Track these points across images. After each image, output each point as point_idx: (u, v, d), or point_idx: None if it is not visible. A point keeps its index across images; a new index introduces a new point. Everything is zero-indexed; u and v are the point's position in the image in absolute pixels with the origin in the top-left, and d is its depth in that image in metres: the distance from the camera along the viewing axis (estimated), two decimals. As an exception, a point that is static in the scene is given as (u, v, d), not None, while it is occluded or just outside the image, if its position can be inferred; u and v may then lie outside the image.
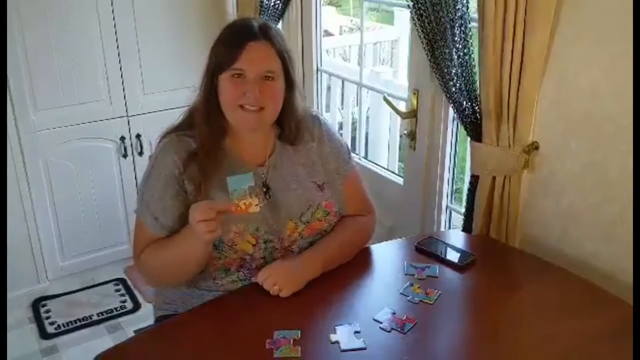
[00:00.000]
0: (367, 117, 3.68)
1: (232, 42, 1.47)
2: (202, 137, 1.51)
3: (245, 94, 1.45)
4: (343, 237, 1.63)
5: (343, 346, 1.33)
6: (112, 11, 2.79)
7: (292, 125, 1.59)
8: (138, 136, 3.00)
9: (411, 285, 1.54)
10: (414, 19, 1.92)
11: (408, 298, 1.49)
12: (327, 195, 1.61)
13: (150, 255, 1.52)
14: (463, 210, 2.03)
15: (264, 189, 1.56)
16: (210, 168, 1.50)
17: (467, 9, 1.78)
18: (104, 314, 2.82)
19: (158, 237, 1.52)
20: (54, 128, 2.81)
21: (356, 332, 1.36)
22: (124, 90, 2.92)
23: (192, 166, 1.50)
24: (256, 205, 1.30)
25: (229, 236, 1.48)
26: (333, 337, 1.35)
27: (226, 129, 1.55)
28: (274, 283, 1.47)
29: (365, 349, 1.32)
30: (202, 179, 1.49)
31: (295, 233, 1.56)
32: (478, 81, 1.81)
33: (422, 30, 1.89)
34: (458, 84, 1.86)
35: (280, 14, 2.78)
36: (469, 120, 1.88)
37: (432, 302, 1.47)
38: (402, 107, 2.36)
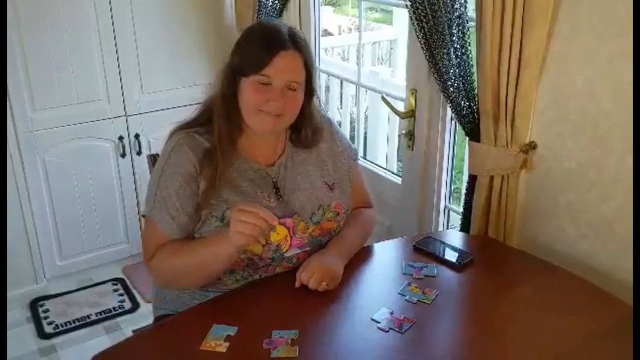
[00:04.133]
0: (366, 117, 3.69)
1: (262, 47, 1.45)
2: (221, 135, 1.51)
3: (268, 101, 1.46)
4: (358, 228, 1.68)
5: (287, 254, 1.45)
6: (110, 9, 2.78)
7: (308, 131, 1.60)
8: (136, 136, 3.00)
9: (409, 284, 1.54)
10: (412, 19, 1.92)
11: (406, 298, 1.49)
12: (337, 196, 1.63)
13: (167, 258, 1.50)
14: (461, 210, 2.03)
15: (274, 190, 1.57)
16: (225, 167, 1.50)
17: (465, 9, 1.79)
18: (102, 313, 2.82)
19: (172, 238, 1.51)
20: (52, 127, 2.80)
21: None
22: (122, 89, 2.91)
23: (207, 165, 1.50)
24: (223, 347, 1.33)
25: None
26: None
27: (242, 128, 1.55)
28: (319, 280, 1.48)
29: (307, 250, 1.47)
30: (217, 178, 1.49)
31: (306, 234, 1.56)
32: (476, 81, 1.81)
33: (420, 30, 1.89)
34: (456, 84, 1.86)
35: (279, 14, 2.77)
36: (467, 120, 1.88)
37: (430, 302, 1.47)
38: (400, 106, 2.36)
